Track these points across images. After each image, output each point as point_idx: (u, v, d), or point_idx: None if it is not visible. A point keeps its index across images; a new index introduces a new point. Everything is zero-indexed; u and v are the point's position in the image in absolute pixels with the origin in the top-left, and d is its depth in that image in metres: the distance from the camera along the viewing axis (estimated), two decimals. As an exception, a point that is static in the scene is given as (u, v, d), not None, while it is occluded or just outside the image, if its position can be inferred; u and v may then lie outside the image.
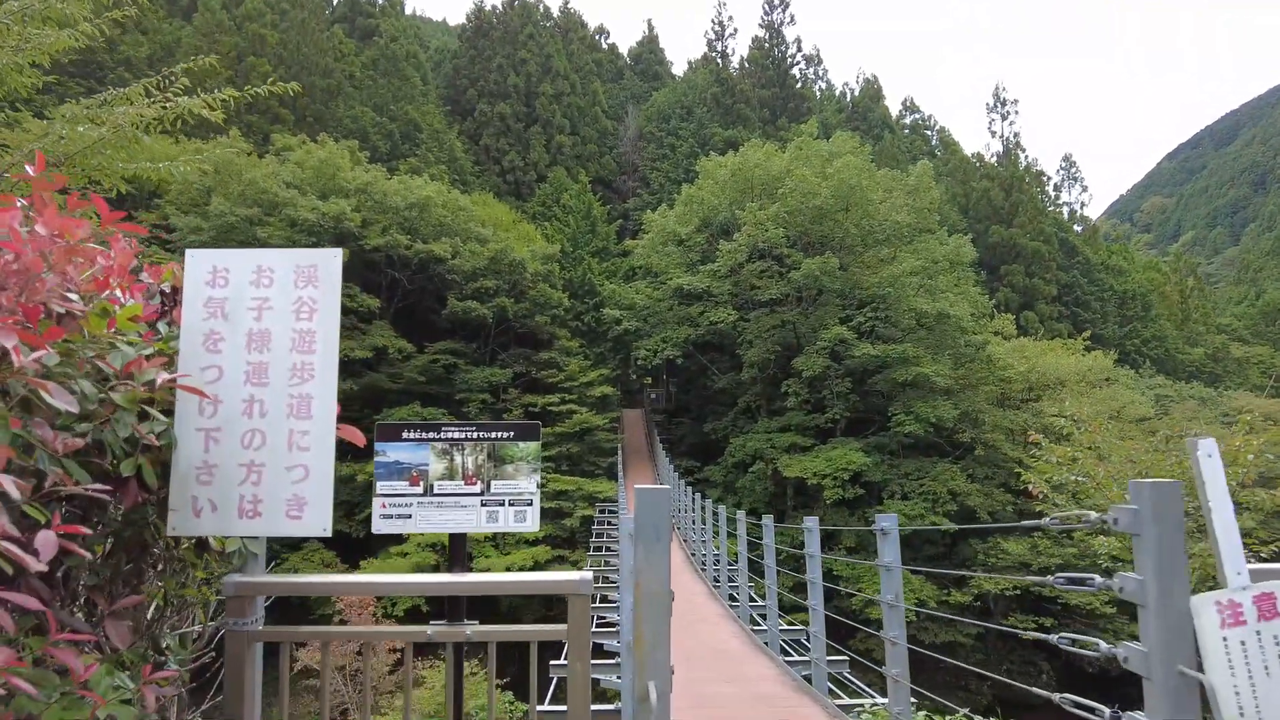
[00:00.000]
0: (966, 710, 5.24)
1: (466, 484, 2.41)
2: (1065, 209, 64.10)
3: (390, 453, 2.46)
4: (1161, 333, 50.02)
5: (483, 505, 2.41)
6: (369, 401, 27.36)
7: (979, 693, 24.77)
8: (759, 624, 9.66)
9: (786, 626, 9.02)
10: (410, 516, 2.41)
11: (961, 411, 27.00)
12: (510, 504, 2.41)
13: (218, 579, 2.31)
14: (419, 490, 2.42)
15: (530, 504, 2.43)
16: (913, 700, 4.81)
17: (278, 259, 2.31)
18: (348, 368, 26.56)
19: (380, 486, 2.44)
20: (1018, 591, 25.11)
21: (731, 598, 11.37)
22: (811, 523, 6.54)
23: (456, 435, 2.45)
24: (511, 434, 2.45)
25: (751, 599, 10.46)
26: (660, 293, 31.13)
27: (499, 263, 28.03)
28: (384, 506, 2.43)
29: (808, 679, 6.97)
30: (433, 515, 2.41)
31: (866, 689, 6.32)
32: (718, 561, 12.65)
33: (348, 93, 42.20)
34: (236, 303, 2.26)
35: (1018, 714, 24.09)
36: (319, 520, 2.19)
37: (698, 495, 17.48)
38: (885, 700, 5.00)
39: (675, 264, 30.93)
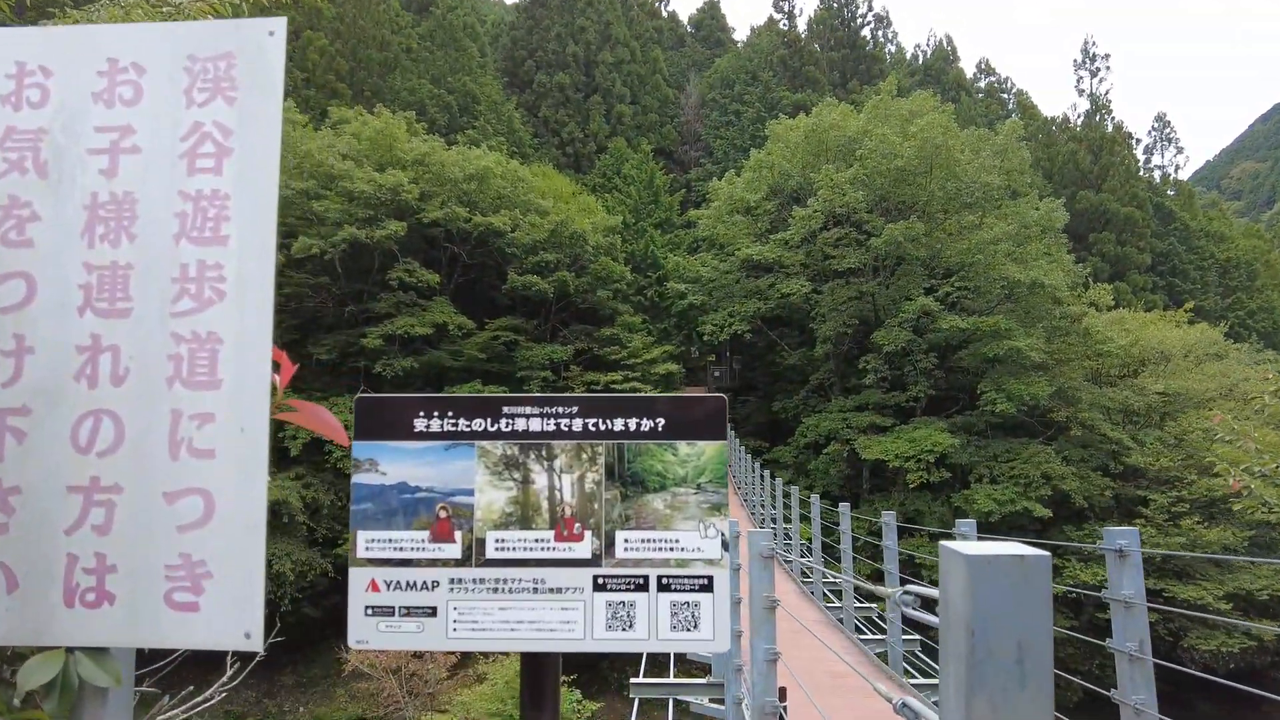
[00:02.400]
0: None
1: (559, 539, 1.15)
2: (1157, 172, 59.89)
3: (385, 463, 1.21)
4: (1269, 304, 46.26)
5: (599, 589, 1.14)
6: (430, 380, 26.69)
7: (1068, 689, 22.95)
8: (862, 630, 8.40)
9: (908, 636, 7.71)
10: (434, 614, 1.16)
11: (1056, 389, 24.92)
12: (665, 587, 1.13)
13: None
14: (452, 551, 1.17)
15: (709, 588, 1.13)
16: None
17: (147, 41, 1.07)
18: (409, 346, 25.95)
19: (363, 541, 1.20)
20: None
21: (825, 595, 10.11)
22: (968, 527, 5.17)
23: (535, 423, 1.19)
24: (662, 422, 1.16)
25: (826, 591, 9.23)
26: (727, 265, 29.59)
27: (559, 235, 26.89)
28: (374, 589, 1.18)
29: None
30: (483, 613, 1.14)
31: None
32: (798, 552, 11.38)
33: (405, 65, 41.44)
34: (64, 139, 1.05)
35: (1113, 713, 22.40)
36: (233, 615, 0.98)
37: (767, 474, 16.17)
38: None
39: (743, 234, 29.32)
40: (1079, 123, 52.21)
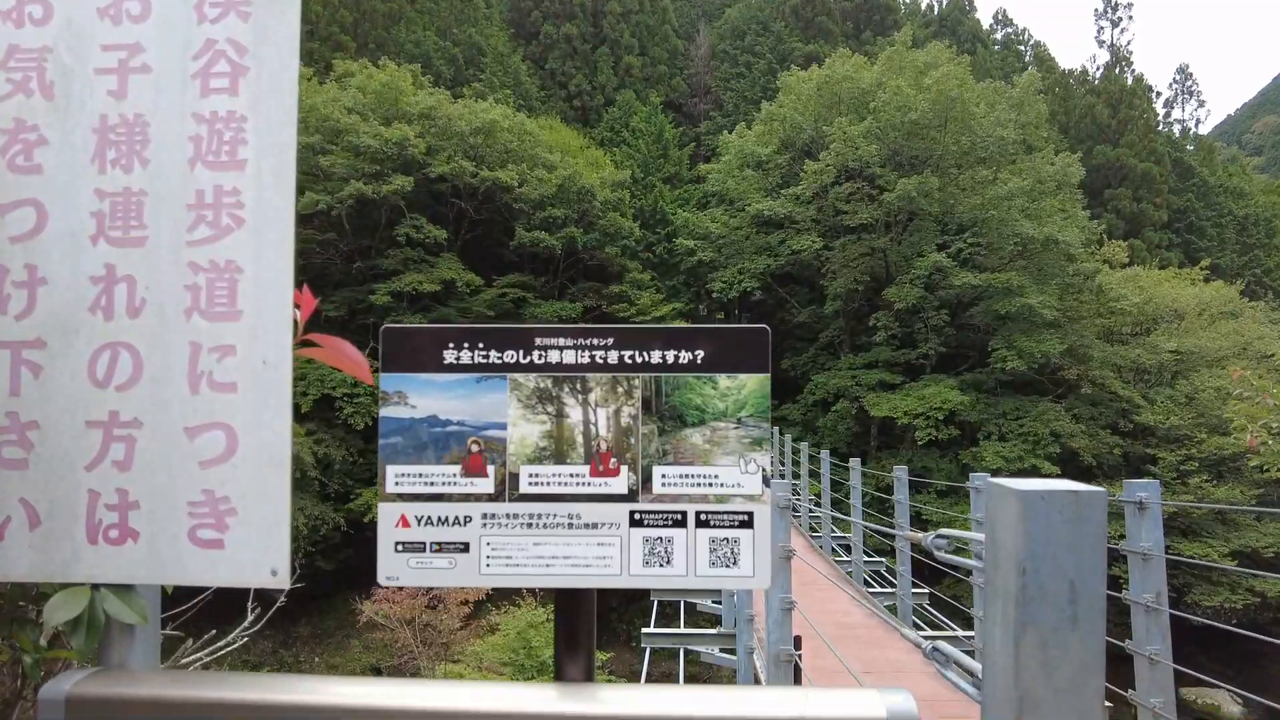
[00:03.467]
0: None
1: (595, 474, 1.13)
2: (1176, 127, 58.65)
3: (414, 395, 1.17)
4: (1287, 261, 45.58)
5: (635, 525, 1.12)
6: (438, 336, 26.69)
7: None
8: (871, 584, 8.47)
9: (918, 589, 7.77)
10: (466, 549, 1.14)
11: (1067, 346, 24.77)
12: (703, 523, 1.11)
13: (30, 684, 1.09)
14: (485, 485, 1.14)
15: (750, 524, 1.10)
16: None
17: (154, -49, 1.01)
18: (416, 303, 25.91)
19: (393, 475, 1.17)
20: (1121, 538, 23.22)
21: (834, 550, 10.20)
22: (982, 480, 5.14)
23: (569, 355, 1.15)
24: (700, 354, 1.12)
25: (835, 545, 9.31)
26: (737, 220, 29.26)
27: (567, 190, 26.59)
28: (404, 524, 1.15)
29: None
30: (517, 549, 1.12)
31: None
32: (819, 507, 11.44)
33: (409, 17, 40.63)
34: (69, 58, 1.00)
35: (1114, 664, 22.70)
36: (259, 551, 0.96)
37: (775, 430, 16.22)
38: None
39: (753, 189, 28.92)
40: (1098, 75, 50.99)
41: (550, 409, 1.13)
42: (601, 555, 1.10)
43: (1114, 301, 26.67)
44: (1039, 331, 24.17)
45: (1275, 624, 25.73)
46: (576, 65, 43.15)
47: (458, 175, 25.65)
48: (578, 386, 1.13)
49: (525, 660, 12.98)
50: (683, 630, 7.26)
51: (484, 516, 1.13)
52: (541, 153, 27.04)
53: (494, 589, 12.91)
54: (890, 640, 6.21)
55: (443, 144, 26.05)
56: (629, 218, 28.83)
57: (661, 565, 1.08)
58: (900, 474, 6.72)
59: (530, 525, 1.12)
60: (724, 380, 1.11)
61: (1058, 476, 19.75)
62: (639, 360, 1.12)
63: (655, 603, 8.02)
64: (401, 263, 25.92)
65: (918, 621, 6.74)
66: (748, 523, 1.09)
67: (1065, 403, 25.06)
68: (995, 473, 22.79)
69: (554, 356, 1.14)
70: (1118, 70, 50.15)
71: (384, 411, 1.15)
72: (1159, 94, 57.22)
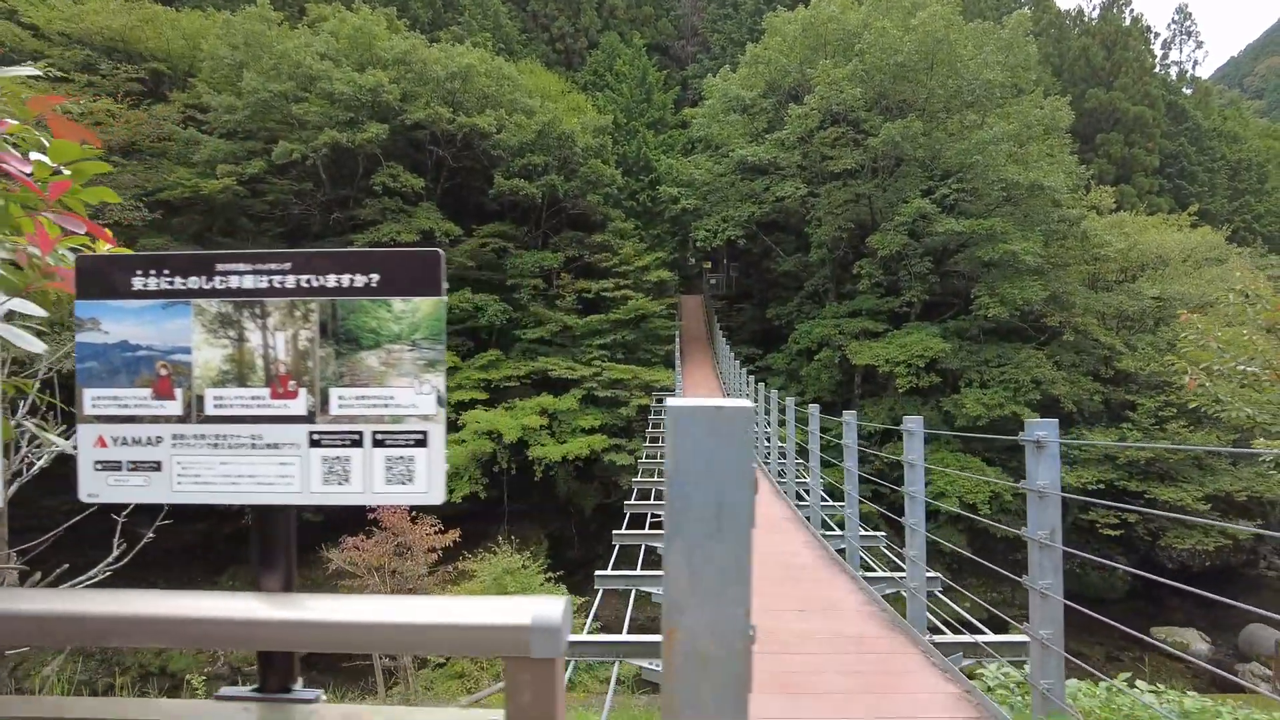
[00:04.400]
0: (1127, 677, 3.95)
1: (275, 395, 1.08)
2: (1174, 69, 57.68)
3: (107, 322, 1.13)
4: (1278, 207, 45.29)
5: (314, 445, 1.08)
6: (419, 287, 26.50)
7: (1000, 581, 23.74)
8: (831, 530, 8.52)
9: (866, 533, 7.80)
10: (159, 468, 1.11)
11: (1050, 293, 24.71)
12: (379, 443, 1.07)
13: None
14: (174, 408, 1.10)
15: (424, 443, 1.07)
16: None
17: None
18: (395, 252, 25.61)
19: (90, 399, 1.13)
20: (1100, 485, 23.53)
21: (799, 496, 10.25)
22: (914, 423, 5.13)
23: (249, 280, 1.09)
24: (377, 277, 1.06)
25: (823, 500, 9.36)
26: (721, 167, 28.85)
27: (547, 136, 26.12)
28: (102, 444, 1.12)
29: (891, 600, 5.82)
30: (205, 468, 1.10)
31: (1009, 617, 5.04)
32: (783, 456, 11.47)
33: (386, -43, 39.42)
34: None
35: (1091, 607, 23.22)
36: None
37: (760, 384, 16.26)
38: (1020, 664, 3.71)
39: (738, 134, 28.46)
40: (1094, 16, 49.94)
41: (232, 334, 1.11)
42: (283, 474, 1.09)
43: (1099, 248, 26.56)
44: (1022, 278, 24.09)
45: (1247, 565, 26.32)
46: (559, 6, 42.07)
47: (434, 122, 25.17)
48: (257, 311, 1.10)
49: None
50: (637, 572, 7.33)
51: (174, 437, 1.12)
52: (521, 97, 26.50)
53: (460, 541, 13.04)
54: (833, 580, 6.27)
55: (418, 90, 25.50)
56: (611, 165, 28.41)
57: (340, 483, 1.08)
58: (849, 419, 6.77)
59: (216, 445, 1.11)
60: (398, 304, 1.08)
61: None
62: (315, 285, 1.09)
63: (616, 546, 8.11)
64: (379, 212, 25.60)
65: (865, 560, 6.83)
66: (422, 441, 1.07)
67: (1047, 350, 25.12)
68: (976, 420, 22.94)
69: (235, 282, 1.11)
70: (1115, 10, 49.13)
71: (79, 337, 1.13)
72: (1157, 35, 56.13)
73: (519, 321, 25.88)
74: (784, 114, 26.99)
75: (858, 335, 25.47)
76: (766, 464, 13.18)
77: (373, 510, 11.22)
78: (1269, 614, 2.40)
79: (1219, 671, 3.20)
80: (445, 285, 1.06)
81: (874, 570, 6.89)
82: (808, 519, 8.98)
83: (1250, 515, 23.72)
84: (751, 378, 18.31)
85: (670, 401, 0.94)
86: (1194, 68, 62.46)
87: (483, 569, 13.37)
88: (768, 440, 13.80)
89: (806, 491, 9.64)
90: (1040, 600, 3.16)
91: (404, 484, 1.06)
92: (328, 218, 26.34)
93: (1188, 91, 53.93)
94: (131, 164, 23.40)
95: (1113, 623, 3.34)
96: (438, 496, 1.05)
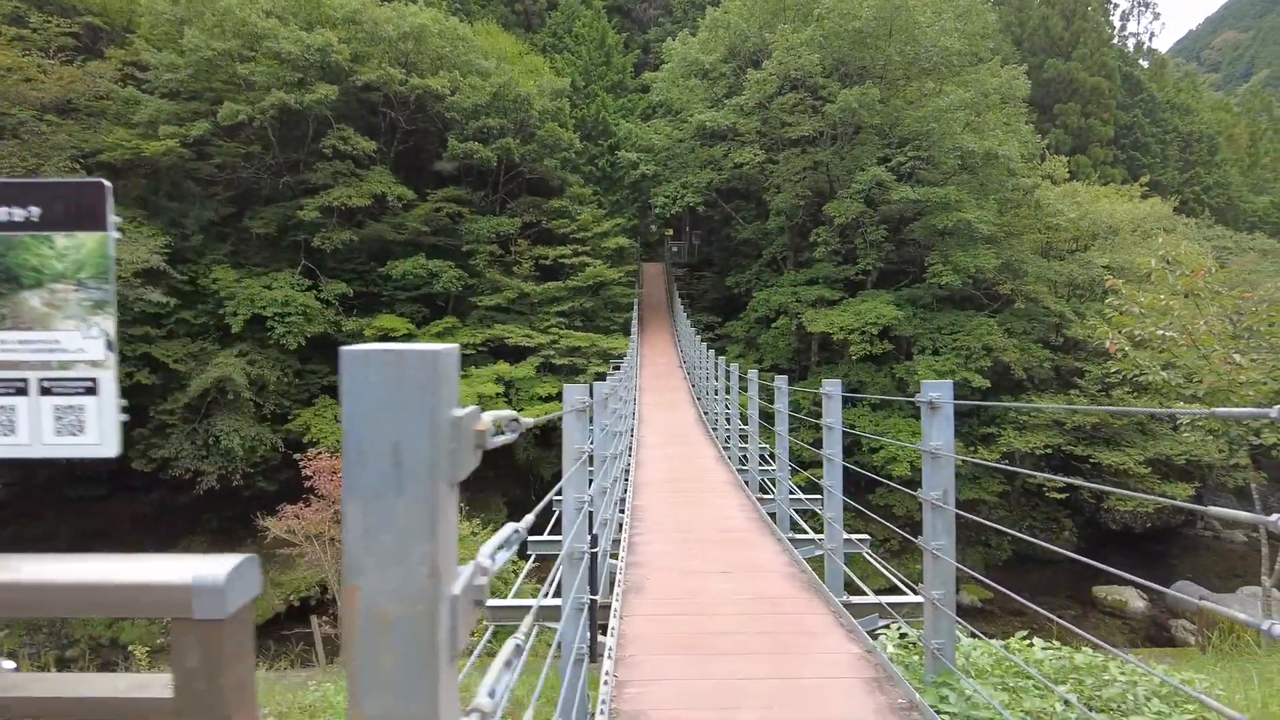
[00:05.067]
0: (1017, 636, 4.02)
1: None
2: (1131, 40, 58.27)
3: None
4: (1226, 179, 46.28)
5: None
6: (373, 254, 26.05)
7: (999, 548, 24.41)
8: (769, 492, 8.59)
9: (798, 496, 7.87)
10: None
11: (1003, 261, 25.03)
12: (46, 391, 0.96)
13: None
14: None
15: (95, 391, 0.98)
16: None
17: None
18: (348, 217, 25.09)
19: None
20: (1047, 450, 24.10)
21: (743, 460, 10.31)
22: (832, 387, 5.13)
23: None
24: (37, 210, 0.94)
25: (763, 463, 9.42)
26: (681, 132, 28.57)
27: (502, 99, 25.59)
28: None
29: (818, 562, 5.88)
30: None
31: (902, 583, 5.10)
32: (730, 422, 11.52)
33: (337, -90, 37.99)
34: None
35: (1039, 568, 23.88)
36: None
37: (712, 351, 16.26)
38: (915, 623, 3.75)
39: (698, 99, 28.17)
40: (1055, -15, 49.97)
41: None
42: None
43: (1052, 217, 26.93)
44: (976, 246, 24.35)
45: (1185, 526, 27.26)
46: (518, -34, 40.99)
47: (386, 84, 24.50)
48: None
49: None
50: (546, 537, 7.30)
51: None
52: (476, 59, 25.87)
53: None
54: (762, 543, 6.31)
55: (370, 50, 24.76)
56: (569, 129, 27.96)
57: (6, 435, 0.98)
58: (780, 383, 6.79)
59: None
60: (61, 240, 0.97)
61: (988, 390, 20.20)
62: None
63: (557, 512, 8.02)
64: (331, 176, 24.96)
65: (795, 521, 6.88)
66: (92, 389, 0.98)
67: (999, 317, 25.51)
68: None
69: None
70: (1075, -21, 49.20)
71: None
72: (1116, 5, 56.56)
73: (475, 288, 25.55)
74: (744, 79, 26.75)
75: (814, 303, 25.60)
76: (716, 431, 13.24)
77: (309, 478, 11.07)
78: (1134, 579, 2.42)
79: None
80: (113, 219, 0.96)
81: (806, 532, 6.96)
82: (747, 483, 9.04)
83: (1189, 477, 24.51)
84: (704, 344, 18.33)
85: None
86: (1151, 39, 63.26)
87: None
88: (728, 407, 13.86)
89: (745, 458, 9.69)
90: (933, 561, 3.18)
91: (74, 435, 0.97)
92: (277, 181, 25.63)
93: (1144, 64, 54.59)
94: (67, 123, 22.46)
95: (999, 587, 3.38)
96: (111, 449, 0.97)
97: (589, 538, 3.29)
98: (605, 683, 3.39)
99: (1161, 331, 6.59)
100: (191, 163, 23.90)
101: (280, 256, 25.66)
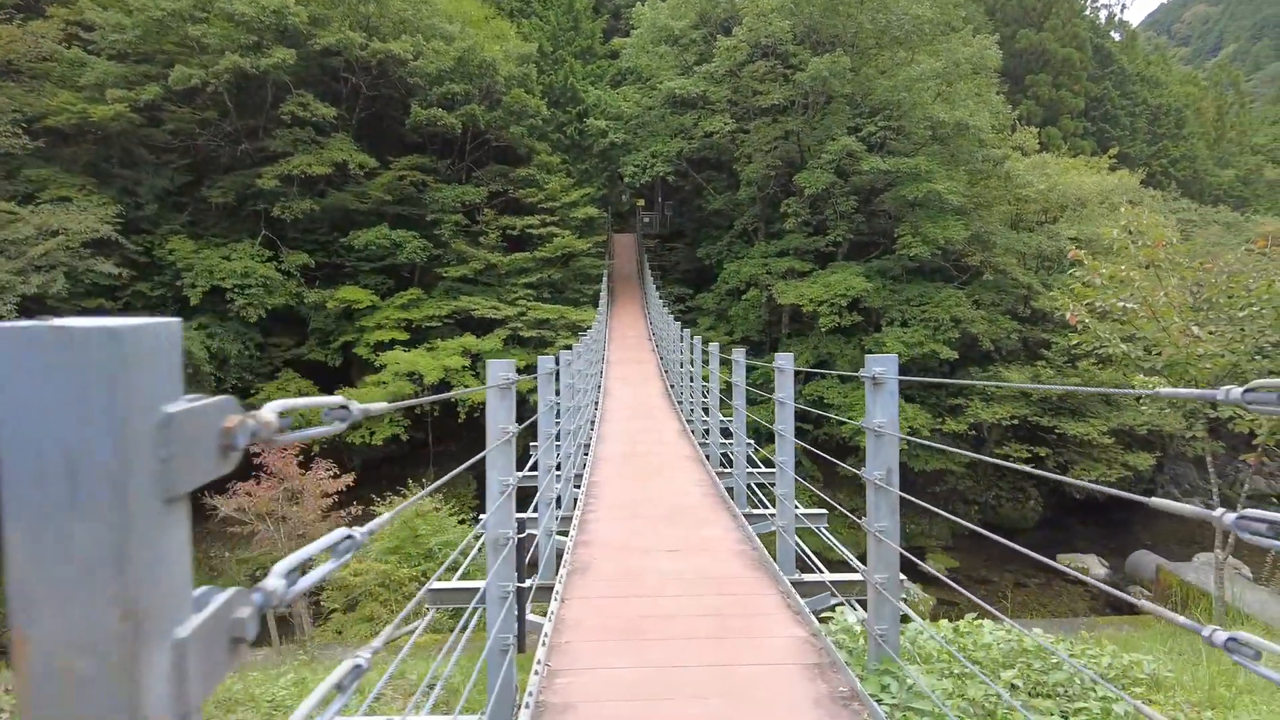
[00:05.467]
0: (971, 615, 3.92)
1: None
2: (1103, 12, 58.33)
3: None
4: (1192, 152, 46.70)
5: None
6: (335, 224, 25.45)
7: (965, 516, 24.73)
8: (728, 467, 8.49)
9: (757, 469, 7.76)
10: None
11: (972, 233, 25.03)
12: None
13: None
14: None
15: None
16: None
17: None
18: (309, 185, 24.44)
19: None
20: (1014, 420, 24.34)
21: (707, 434, 10.19)
22: (784, 361, 4.98)
23: None
24: None
25: (725, 437, 9.30)
26: (651, 100, 28.09)
27: (467, 64, 24.91)
28: None
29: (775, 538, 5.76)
30: None
31: (856, 561, 5.00)
32: (694, 395, 11.39)
33: None
34: None
35: (1004, 537, 24.26)
36: None
37: (678, 324, 16.11)
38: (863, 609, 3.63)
39: (668, 66, 27.68)
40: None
41: None
42: None
43: (1021, 188, 26.95)
44: (945, 217, 24.30)
45: (1146, 494, 27.73)
46: (485, -73, 39.79)
47: (346, 48, 23.74)
48: None
49: (411, 548, 12.97)
50: (526, 514, 7.13)
51: None
52: (439, 23, 25.13)
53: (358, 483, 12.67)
54: (716, 519, 6.18)
55: (328, 13, 23.95)
56: (537, 95, 27.37)
57: None
58: (738, 355, 6.64)
59: None
60: None
61: (956, 361, 20.27)
62: None
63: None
64: (290, 144, 24.25)
65: (751, 498, 6.77)
66: None
67: (968, 289, 25.56)
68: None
69: None
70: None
71: None
72: (1088, -24, 56.18)
73: (440, 259, 25.09)
74: (714, 46, 26.31)
75: (785, 275, 25.48)
76: (681, 404, 13.11)
77: (259, 454, 10.78)
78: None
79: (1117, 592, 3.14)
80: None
81: (761, 507, 6.86)
82: (708, 457, 8.93)
83: (1151, 447, 24.91)
84: (671, 316, 18.15)
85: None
86: (1122, 11, 63.41)
87: (388, 511, 13.06)
88: (691, 380, 13.72)
89: (708, 431, 9.58)
90: (876, 544, 3.04)
91: None
92: (235, 149, 24.86)
93: (1116, 36, 54.72)
94: (8, 85, 21.54)
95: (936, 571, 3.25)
96: None
97: (514, 522, 3.11)
98: (535, 672, 3.24)
99: (1122, 303, 6.49)
100: (144, 129, 23.07)
101: (240, 227, 24.99)
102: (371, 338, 23.17)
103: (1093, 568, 22.14)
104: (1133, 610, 19.63)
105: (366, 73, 24.98)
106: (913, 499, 2.89)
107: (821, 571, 4.95)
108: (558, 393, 6.91)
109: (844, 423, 22.69)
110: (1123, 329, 6.93)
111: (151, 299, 22.99)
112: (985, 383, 2.75)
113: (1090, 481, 23.92)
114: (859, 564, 4.61)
